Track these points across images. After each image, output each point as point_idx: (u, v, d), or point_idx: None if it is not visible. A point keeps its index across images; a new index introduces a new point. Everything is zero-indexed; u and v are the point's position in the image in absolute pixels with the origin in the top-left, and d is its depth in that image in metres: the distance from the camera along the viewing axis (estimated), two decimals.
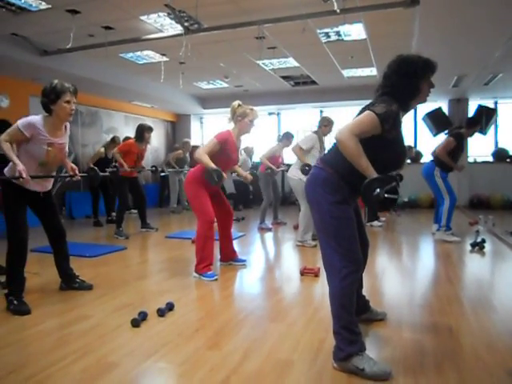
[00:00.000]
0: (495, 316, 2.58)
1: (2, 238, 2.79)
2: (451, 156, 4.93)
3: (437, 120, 8.54)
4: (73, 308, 2.74)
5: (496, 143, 9.40)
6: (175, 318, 2.56)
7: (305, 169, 4.56)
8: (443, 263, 4.12)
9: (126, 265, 4.09)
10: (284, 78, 8.32)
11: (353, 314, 1.88)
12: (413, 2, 4.17)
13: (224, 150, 3.51)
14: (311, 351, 2.06)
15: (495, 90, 8.17)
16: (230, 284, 3.45)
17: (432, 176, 5.03)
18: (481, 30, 4.65)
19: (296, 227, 5.61)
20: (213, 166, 3.34)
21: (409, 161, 7.63)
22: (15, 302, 2.65)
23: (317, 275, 3.45)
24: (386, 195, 1.73)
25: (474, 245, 4.55)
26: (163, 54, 6.60)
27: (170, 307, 2.65)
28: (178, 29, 5.31)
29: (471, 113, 8.61)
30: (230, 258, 3.92)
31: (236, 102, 3.64)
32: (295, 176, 4.81)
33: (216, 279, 3.41)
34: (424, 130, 8.98)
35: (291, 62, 7.15)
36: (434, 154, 5.12)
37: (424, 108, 8.39)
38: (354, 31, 5.58)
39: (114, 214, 6.54)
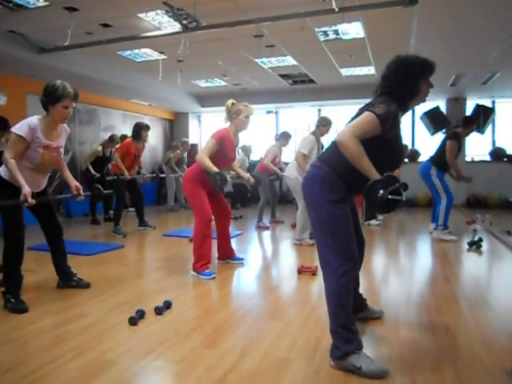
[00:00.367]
0: (492, 315, 2.59)
1: None
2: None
3: (434, 119, 8.54)
4: (70, 306, 2.73)
5: (493, 142, 9.43)
6: (173, 316, 2.56)
7: None
8: (440, 262, 4.13)
9: (123, 263, 4.09)
10: (282, 76, 8.31)
11: (349, 312, 1.89)
12: (411, 1, 4.18)
13: (221, 149, 3.49)
14: (308, 349, 2.07)
15: (493, 89, 8.17)
16: (227, 282, 3.46)
17: (428, 175, 5.02)
18: (479, 30, 4.66)
19: (293, 226, 5.61)
20: (215, 169, 3.33)
21: (406, 160, 7.64)
22: (12, 300, 2.65)
23: (314, 274, 3.46)
24: (389, 196, 1.73)
25: (471, 244, 4.56)
26: (161, 52, 6.58)
27: (168, 305, 2.65)
28: (176, 27, 5.31)
29: (469, 112, 8.61)
30: (227, 256, 3.92)
31: (230, 101, 3.61)
32: (292, 175, 4.81)
33: (214, 277, 3.41)
34: (422, 129, 8.99)
35: (289, 61, 7.15)
36: (432, 157, 5.09)
37: (422, 107, 8.39)
38: (353, 30, 5.58)
39: (111, 212, 6.52)
